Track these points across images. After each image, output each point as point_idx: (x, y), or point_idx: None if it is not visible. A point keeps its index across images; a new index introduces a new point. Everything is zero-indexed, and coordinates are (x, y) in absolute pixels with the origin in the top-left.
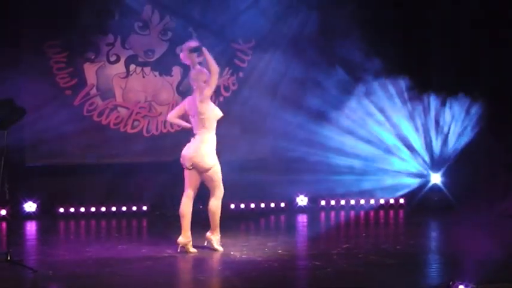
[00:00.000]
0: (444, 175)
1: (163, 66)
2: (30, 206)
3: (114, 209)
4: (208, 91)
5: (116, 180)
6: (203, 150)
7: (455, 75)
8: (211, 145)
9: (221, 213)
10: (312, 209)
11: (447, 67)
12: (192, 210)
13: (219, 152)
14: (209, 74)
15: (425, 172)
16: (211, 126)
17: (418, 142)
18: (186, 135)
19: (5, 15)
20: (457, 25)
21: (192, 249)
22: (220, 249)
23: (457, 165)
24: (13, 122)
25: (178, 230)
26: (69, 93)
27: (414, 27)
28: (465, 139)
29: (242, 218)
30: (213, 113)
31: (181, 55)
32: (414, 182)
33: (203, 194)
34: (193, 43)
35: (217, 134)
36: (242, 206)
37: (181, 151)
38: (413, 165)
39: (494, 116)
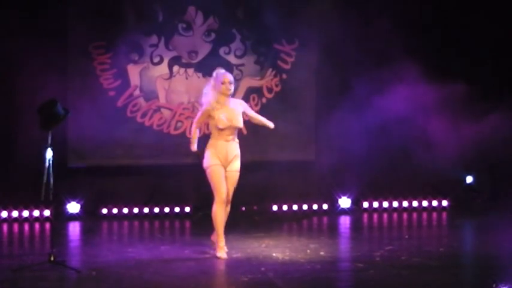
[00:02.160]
0: (478, 175)
1: (206, 68)
2: (73, 207)
3: (157, 210)
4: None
5: (159, 181)
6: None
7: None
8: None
9: (262, 214)
10: (354, 211)
11: None
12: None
13: (259, 153)
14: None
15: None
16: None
17: None
18: None
19: (51, 16)
20: None
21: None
22: (221, 255)
23: (491, 165)
24: (57, 122)
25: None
26: (113, 94)
27: None
28: None
29: (284, 219)
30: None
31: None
32: None
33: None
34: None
35: (261, 134)
36: (285, 207)
37: None
38: None
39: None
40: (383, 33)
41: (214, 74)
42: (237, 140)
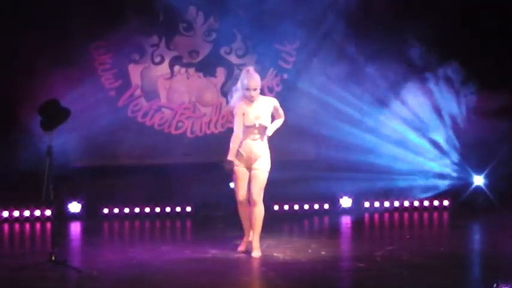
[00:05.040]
0: (487, 177)
1: (207, 67)
2: (74, 207)
3: (158, 210)
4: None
5: (160, 181)
6: None
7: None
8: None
9: (265, 214)
10: (355, 211)
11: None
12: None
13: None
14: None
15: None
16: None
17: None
18: (230, 136)
19: (52, 16)
20: None
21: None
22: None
23: (499, 166)
24: (58, 123)
25: (221, 231)
26: (114, 94)
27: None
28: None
29: (286, 219)
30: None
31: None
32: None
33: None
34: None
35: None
36: (286, 207)
37: (225, 152)
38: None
39: None
40: (383, 33)
41: (243, 73)
42: (265, 140)
